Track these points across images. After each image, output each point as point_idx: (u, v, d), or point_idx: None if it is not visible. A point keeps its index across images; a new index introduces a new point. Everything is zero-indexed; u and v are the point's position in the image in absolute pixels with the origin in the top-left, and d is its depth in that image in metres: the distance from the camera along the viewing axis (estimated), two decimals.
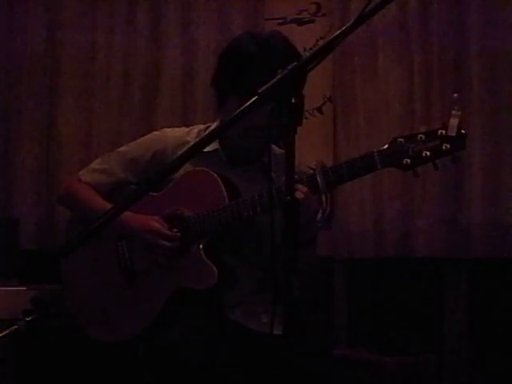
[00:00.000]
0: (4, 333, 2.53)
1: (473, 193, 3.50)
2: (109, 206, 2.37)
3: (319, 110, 3.84)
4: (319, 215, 3.87)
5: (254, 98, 1.57)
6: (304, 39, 3.68)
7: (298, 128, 1.57)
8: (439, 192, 3.55)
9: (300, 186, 2.04)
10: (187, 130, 2.50)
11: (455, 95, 1.90)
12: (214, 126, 2.46)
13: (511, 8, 3.52)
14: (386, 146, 1.97)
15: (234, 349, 2.27)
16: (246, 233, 2.31)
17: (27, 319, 2.60)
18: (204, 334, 2.23)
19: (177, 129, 2.52)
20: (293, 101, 1.56)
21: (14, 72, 3.99)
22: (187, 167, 2.27)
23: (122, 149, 2.53)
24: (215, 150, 2.38)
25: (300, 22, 3.89)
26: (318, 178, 2.04)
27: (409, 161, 1.93)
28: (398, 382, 3.27)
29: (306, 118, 3.72)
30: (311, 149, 3.42)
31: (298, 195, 1.95)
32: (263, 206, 2.16)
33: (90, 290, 2.51)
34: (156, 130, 2.58)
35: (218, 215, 2.24)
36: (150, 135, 2.53)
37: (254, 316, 2.35)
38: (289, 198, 1.57)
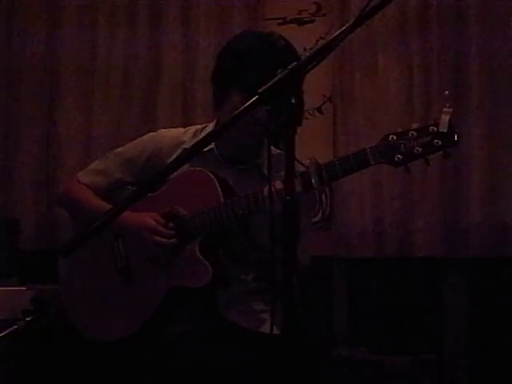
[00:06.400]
0: (4, 333, 2.53)
1: (472, 193, 3.50)
2: (106, 206, 2.39)
3: (319, 110, 3.84)
4: (319, 215, 3.89)
5: (253, 98, 1.58)
6: (304, 39, 3.68)
7: (298, 128, 1.57)
8: (438, 192, 3.55)
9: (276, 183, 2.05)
10: (183, 130, 2.52)
11: (446, 92, 1.92)
12: (211, 125, 2.47)
13: (510, 8, 3.52)
14: (378, 143, 1.98)
15: (231, 348, 2.27)
16: (240, 232, 2.32)
17: (27, 319, 2.61)
18: (200, 333, 2.24)
19: (173, 129, 2.55)
20: (293, 101, 1.56)
21: (14, 72, 3.99)
22: (183, 167, 2.28)
23: (118, 150, 2.56)
24: (211, 150, 2.39)
25: (300, 22, 3.89)
26: (312, 175, 2.05)
27: (400, 157, 1.94)
28: (398, 382, 3.27)
29: (306, 118, 3.72)
30: (311, 149, 3.40)
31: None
32: (257, 205, 2.17)
33: (86, 290, 2.53)
34: (156, 131, 2.60)
35: (213, 214, 2.25)
36: (146, 136, 2.56)
37: (250, 316, 2.36)
38: (288, 197, 1.57)
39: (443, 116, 1.87)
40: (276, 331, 1.84)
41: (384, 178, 3.59)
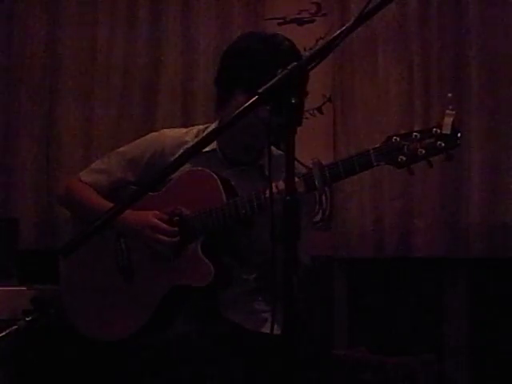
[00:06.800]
0: (4, 333, 2.53)
1: (472, 193, 3.50)
2: (108, 205, 2.39)
3: (319, 110, 3.84)
4: (319, 215, 3.89)
5: (253, 98, 1.58)
6: (304, 39, 3.67)
7: (298, 128, 1.57)
8: (439, 192, 3.55)
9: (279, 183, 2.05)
10: (185, 130, 2.52)
11: (449, 95, 1.93)
12: (213, 126, 2.47)
13: (510, 8, 3.53)
14: (381, 144, 1.99)
15: (232, 348, 2.27)
16: (242, 233, 2.32)
17: (27, 319, 2.60)
18: (201, 333, 2.23)
19: (175, 129, 2.55)
20: (293, 101, 1.56)
21: (14, 72, 3.99)
22: (185, 166, 2.28)
23: (121, 149, 2.56)
24: (213, 150, 2.40)
25: (300, 22, 3.89)
26: (315, 176, 2.06)
27: (404, 158, 1.94)
28: (397, 382, 3.27)
29: (306, 118, 3.72)
30: (311, 149, 3.41)
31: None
32: (260, 205, 2.17)
33: (87, 289, 2.52)
34: (156, 130, 2.61)
35: (215, 213, 2.25)
36: (148, 136, 2.55)
37: (251, 316, 2.36)
38: (288, 197, 1.57)
39: (446, 118, 1.88)
40: (277, 331, 1.84)
41: (384, 178, 3.59)
